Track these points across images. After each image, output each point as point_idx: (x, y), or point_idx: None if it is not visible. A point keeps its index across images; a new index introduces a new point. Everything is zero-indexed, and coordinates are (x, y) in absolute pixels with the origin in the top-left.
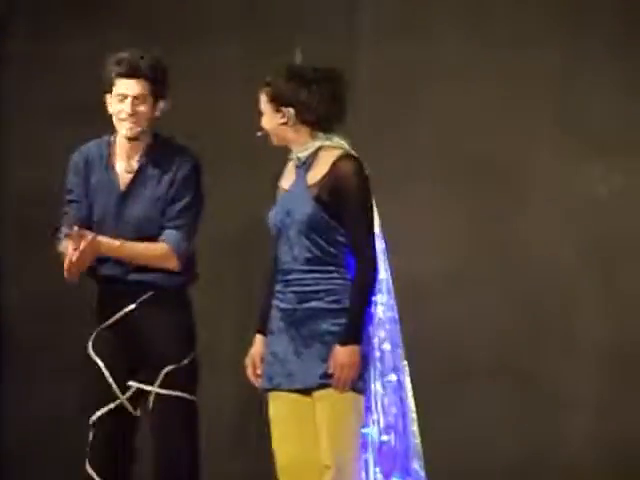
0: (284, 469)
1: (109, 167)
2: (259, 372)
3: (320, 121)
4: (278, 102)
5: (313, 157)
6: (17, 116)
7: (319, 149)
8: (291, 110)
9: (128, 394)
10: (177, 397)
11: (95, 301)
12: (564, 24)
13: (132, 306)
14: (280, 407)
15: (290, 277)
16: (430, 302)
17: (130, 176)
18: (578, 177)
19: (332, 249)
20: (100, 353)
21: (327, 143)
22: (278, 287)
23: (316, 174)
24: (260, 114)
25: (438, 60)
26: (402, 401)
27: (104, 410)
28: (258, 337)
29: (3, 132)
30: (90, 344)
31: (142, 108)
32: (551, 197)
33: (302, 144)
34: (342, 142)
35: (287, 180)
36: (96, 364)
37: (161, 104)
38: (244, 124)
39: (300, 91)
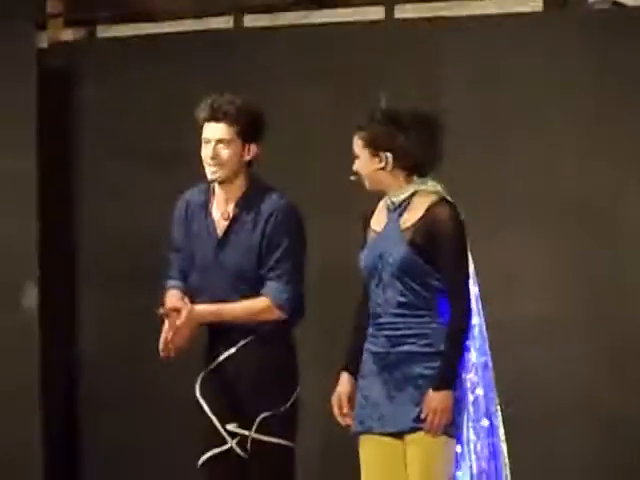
0: None
1: (208, 214)
2: (345, 411)
3: (417, 166)
4: (375, 147)
5: (407, 201)
6: (92, 162)
7: (414, 193)
8: (389, 155)
9: (236, 438)
10: (274, 443)
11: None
12: None
13: (232, 350)
14: (371, 451)
15: (382, 320)
16: (523, 347)
17: (226, 223)
18: None
19: (425, 293)
20: (205, 397)
21: (422, 187)
22: (370, 330)
23: (410, 218)
24: (354, 158)
25: (521, 104)
26: (494, 446)
27: (212, 453)
28: (344, 375)
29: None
30: (197, 388)
31: (226, 152)
32: None
33: (397, 188)
34: (437, 186)
35: (378, 223)
36: (202, 408)
37: (252, 148)
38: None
39: (398, 136)
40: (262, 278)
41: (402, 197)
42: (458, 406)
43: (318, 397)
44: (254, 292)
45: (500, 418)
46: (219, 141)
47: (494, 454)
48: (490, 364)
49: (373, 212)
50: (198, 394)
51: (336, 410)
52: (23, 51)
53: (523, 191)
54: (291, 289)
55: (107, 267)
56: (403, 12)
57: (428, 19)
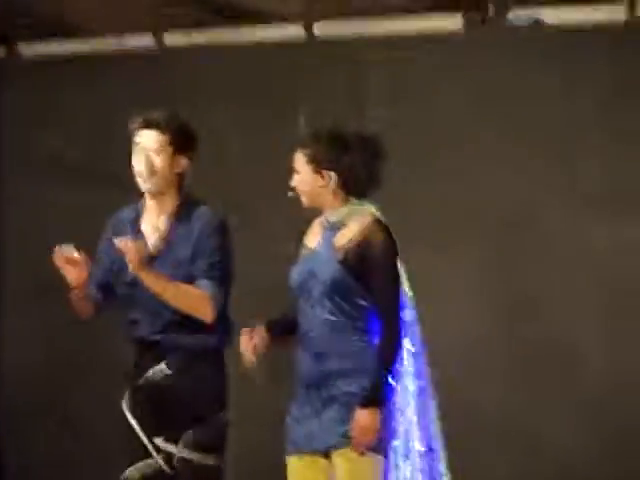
0: None
1: (137, 229)
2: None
3: (358, 187)
4: (319, 165)
5: (343, 221)
6: (17, 170)
7: (350, 213)
8: (332, 175)
9: (162, 454)
10: (200, 461)
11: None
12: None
13: (162, 366)
14: (299, 470)
15: (309, 336)
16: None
17: (158, 238)
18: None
19: (354, 312)
20: (133, 412)
21: (358, 208)
22: (299, 348)
23: (344, 237)
24: (292, 173)
25: (443, 123)
26: (434, 470)
27: (136, 467)
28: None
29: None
30: (124, 403)
31: (157, 161)
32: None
33: (334, 207)
34: (372, 208)
35: (312, 240)
36: (128, 422)
37: (182, 161)
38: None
39: (343, 157)
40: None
41: (338, 217)
42: (386, 423)
43: (247, 416)
44: None
45: (440, 443)
46: (150, 149)
47: (433, 478)
48: (428, 389)
49: (306, 230)
50: (125, 408)
51: (244, 340)
52: None
53: (449, 210)
54: (220, 296)
55: (28, 282)
56: (322, 29)
57: (348, 41)
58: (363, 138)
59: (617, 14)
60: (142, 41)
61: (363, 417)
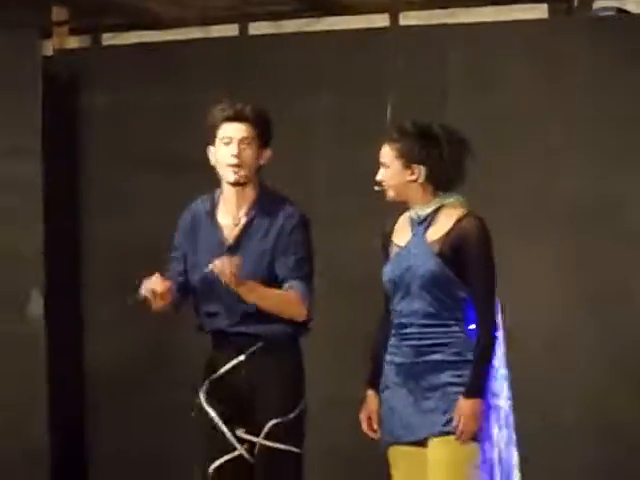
0: None
1: (214, 221)
2: (375, 427)
3: (446, 180)
4: (410, 159)
5: (433, 215)
6: (99, 170)
7: (440, 207)
8: (423, 168)
9: (245, 445)
10: (281, 450)
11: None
12: None
13: (241, 358)
14: (401, 460)
15: (407, 331)
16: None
17: (237, 229)
18: None
19: (453, 303)
20: (212, 404)
21: (448, 201)
22: (393, 341)
23: (438, 231)
24: (380, 167)
25: (526, 112)
26: (510, 455)
27: (222, 460)
28: (371, 392)
29: (85, 186)
30: (202, 395)
31: (248, 152)
32: None
33: (423, 202)
34: (461, 200)
35: (402, 237)
36: (208, 415)
37: (266, 152)
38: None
39: (433, 151)
40: (281, 279)
41: (428, 211)
42: (487, 413)
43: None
44: None
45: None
46: (241, 141)
47: (509, 463)
48: (508, 375)
49: (392, 228)
50: (204, 401)
51: (365, 427)
52: (28, 59)
53: (530, 199)
54: (310, 293)
55: (113, 275)
56: (407, 19)
57: (433, 26)
58: (450, 131)
59: None
60: (226, 30)
61: (466, 407)
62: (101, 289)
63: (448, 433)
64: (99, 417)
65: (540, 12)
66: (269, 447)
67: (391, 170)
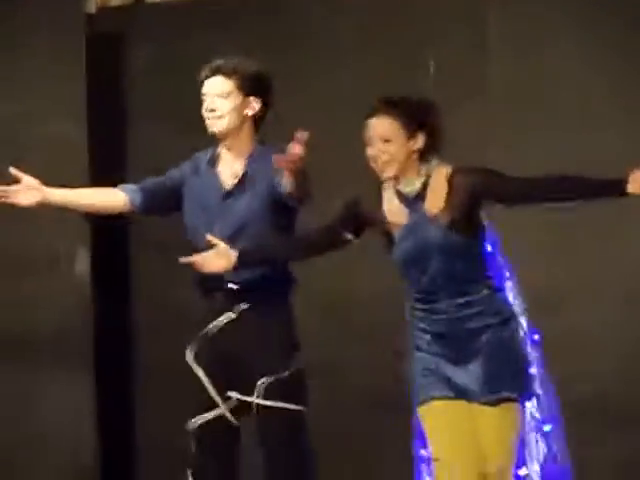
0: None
1: (214, 171)
2: None
3: (439, 144)
4: (413, 126)
5: (422, 187)
6: (145, 130)
7: (424, 178)
8: (422, 135)
9: (230, 405)
10: (280, 408)
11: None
12: None
13: (232, 315)
14: (442, 414)
15: (437, 305)
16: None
17: (234, 180)
18: None
19: (474, 264)
20: (200, 362)
21: (430, 167)
22: (422, 314)
23: (436, 199)
24: (375, 145)
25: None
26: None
27: (204, 418)
28: None
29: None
30: (191, 354)
31: (224, 104)
32: None
33: (412, 174)
34: (437, 162)
35: (398, 215)
36: (194, 372)
37: (254, 104)
38: None
39: (429, 113)
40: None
41: (418, 186)
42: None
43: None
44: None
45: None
46: (217, 95)
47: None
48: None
49: (381, 209)
50: (190, 358)
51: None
52: (71, 17)
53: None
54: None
55: (160, 232)
56: None
57: None
58: (431, 102)
59: None
60: None
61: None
62: (149, 245)
63: (496, 396)
64: (147, 379)
65: None
66: (266, 407)
67: (397, 144)
